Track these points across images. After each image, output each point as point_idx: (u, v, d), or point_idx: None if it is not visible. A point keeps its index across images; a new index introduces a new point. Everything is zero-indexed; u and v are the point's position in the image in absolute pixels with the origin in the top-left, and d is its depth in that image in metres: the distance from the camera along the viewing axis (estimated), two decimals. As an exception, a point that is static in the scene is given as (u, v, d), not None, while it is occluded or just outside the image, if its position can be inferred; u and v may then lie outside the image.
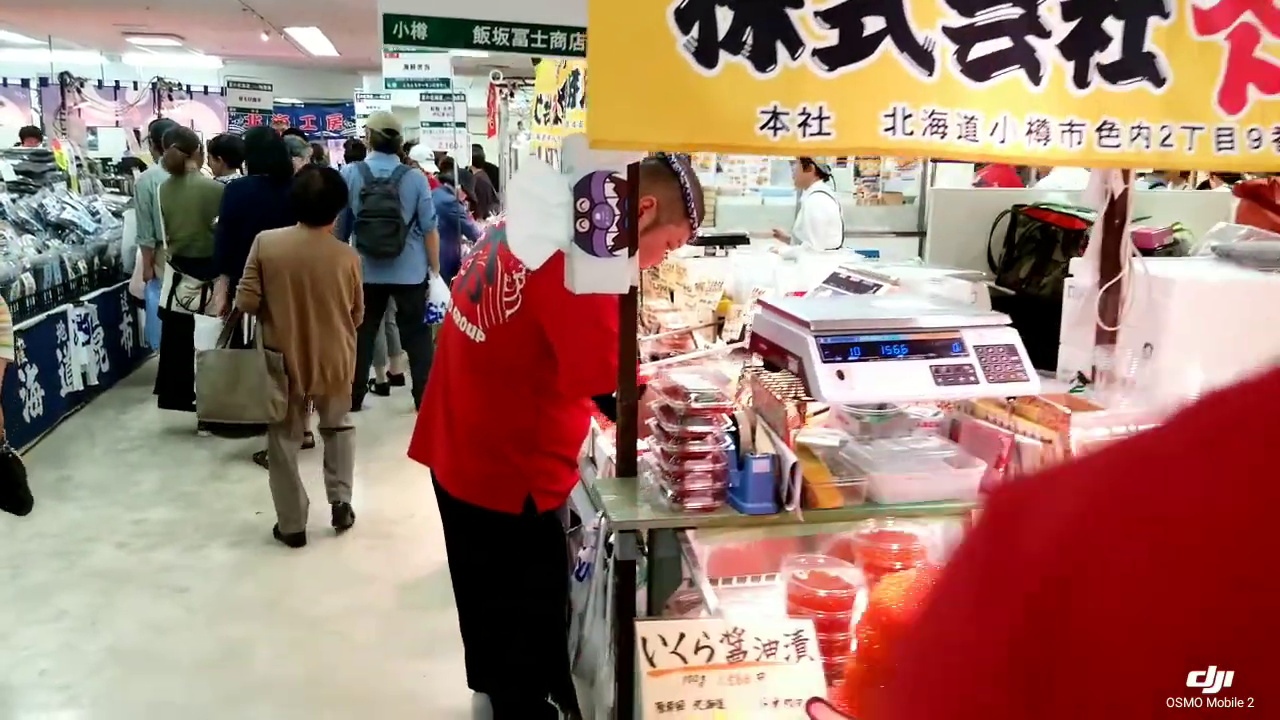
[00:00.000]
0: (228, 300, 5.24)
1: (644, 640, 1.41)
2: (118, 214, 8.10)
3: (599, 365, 2.24)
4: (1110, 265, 2.37)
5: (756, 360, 2.28)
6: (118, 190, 9.33)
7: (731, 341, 4.04)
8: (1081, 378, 2.48)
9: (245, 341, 4.65)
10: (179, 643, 3.68)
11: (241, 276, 4.46)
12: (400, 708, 3.32)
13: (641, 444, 2.21)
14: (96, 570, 4.28)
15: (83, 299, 6.75)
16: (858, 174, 8.03)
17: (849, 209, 7.35)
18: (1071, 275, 2.75)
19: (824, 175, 6.80)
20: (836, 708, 1.36)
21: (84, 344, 6.59)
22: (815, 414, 2.44)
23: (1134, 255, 2.39)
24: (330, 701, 3.33)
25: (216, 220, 5.88)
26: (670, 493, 2.02)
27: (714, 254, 4.87)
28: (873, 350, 1.92)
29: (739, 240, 4.92)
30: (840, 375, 1.90)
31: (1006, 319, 2.04)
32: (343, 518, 4.84)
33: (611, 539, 2.27)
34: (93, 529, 4.71)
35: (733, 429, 2.03)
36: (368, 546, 4.59)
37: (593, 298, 2.29)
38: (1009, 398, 2.11)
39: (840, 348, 1.92)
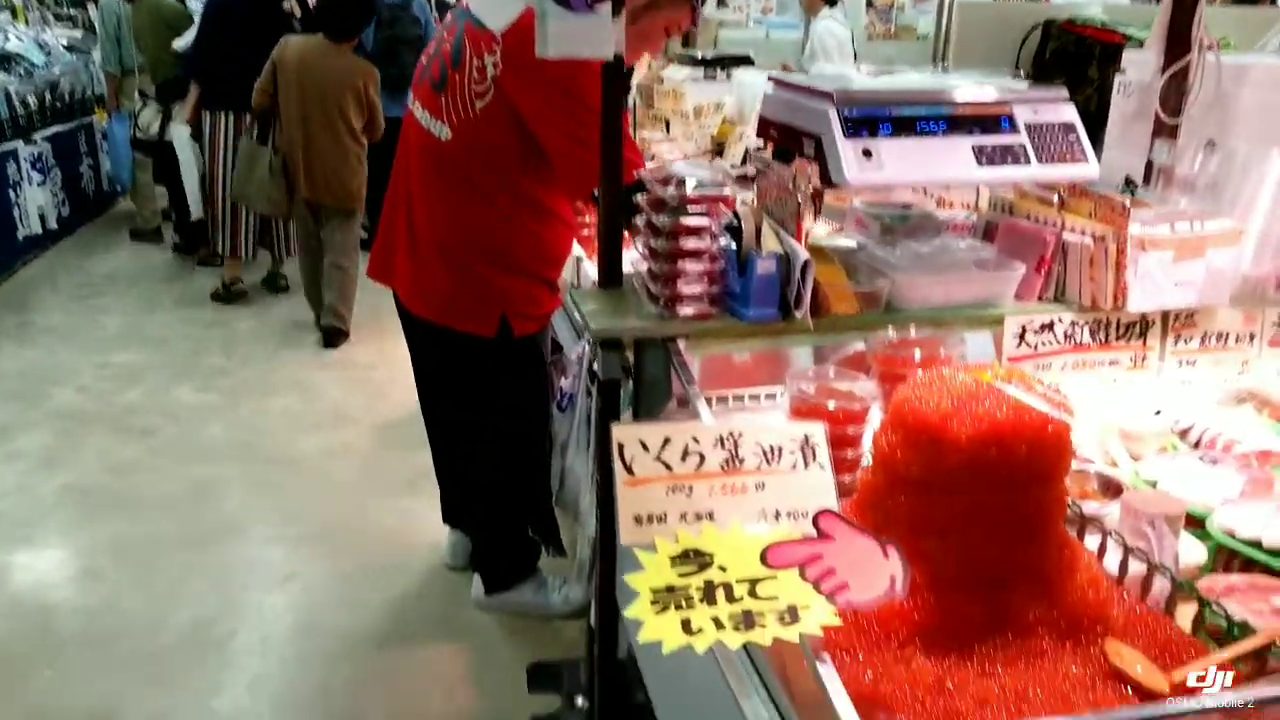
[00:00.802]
0: (196, 111, 5.19)
1: (620, 446, 1.16)
2: (71, 48, 7.55)
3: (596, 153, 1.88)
4: (1177, 46, 2.03)
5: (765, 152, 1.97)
6: (71, 23, 8.69)
7: (732, 167, 3.71)
8: (1129, 183, 2.18)
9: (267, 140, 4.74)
10: (143, 483, 3.50)
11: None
12: (379, 543, 3.16)
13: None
14: (57, 412, 4.07)
15: (35, 136, 6.30)
16: (869, 5, 7.45)
17: (859, 43, 6.84)
18: (1123, 71, 2.40)
19: (831, 1, 6.30)
20: (850, 521, 1.13)
21: (40, 184, 6.19)
22: (830, 234, 2.16)
23: (1205, 41, 2.05)
24: (305, 539, 3.16)
25: (176, 41, 5.52)
26: (660, 298, 1.75)
27: (714, 77, 4.46)
28: (906, 126, 1.62)
29: (742, 61, 4.49)
30: (866, 154, 1.60)
31: (1064, 92, 1.73)
32: (334, 339, 4.81)
33: (596, 365, 2.02)
34: (54, 372, 4.47)
35: (734, 224, 1.74)
36: (346, 390, 4.37)
37: (579, 73, 1.96)
38: (1058, 194, 1.82)
39: (868, 122, 1.61)
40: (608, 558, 1.94)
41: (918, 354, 1.64)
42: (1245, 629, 1.16)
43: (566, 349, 2.74)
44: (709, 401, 1.76)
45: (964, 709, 1.09)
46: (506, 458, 2.59)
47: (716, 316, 1.74)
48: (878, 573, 1.10)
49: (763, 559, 1.10)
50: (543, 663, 2.58)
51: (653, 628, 1.05)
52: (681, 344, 1.78)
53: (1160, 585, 1.30)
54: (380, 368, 4.54)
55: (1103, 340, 1.77)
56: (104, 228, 7.13)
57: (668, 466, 1.17)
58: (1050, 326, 1.74)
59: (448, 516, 2.99)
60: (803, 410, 1.58)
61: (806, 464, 1.19)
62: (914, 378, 1.28)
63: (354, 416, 4.07)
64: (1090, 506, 1.47)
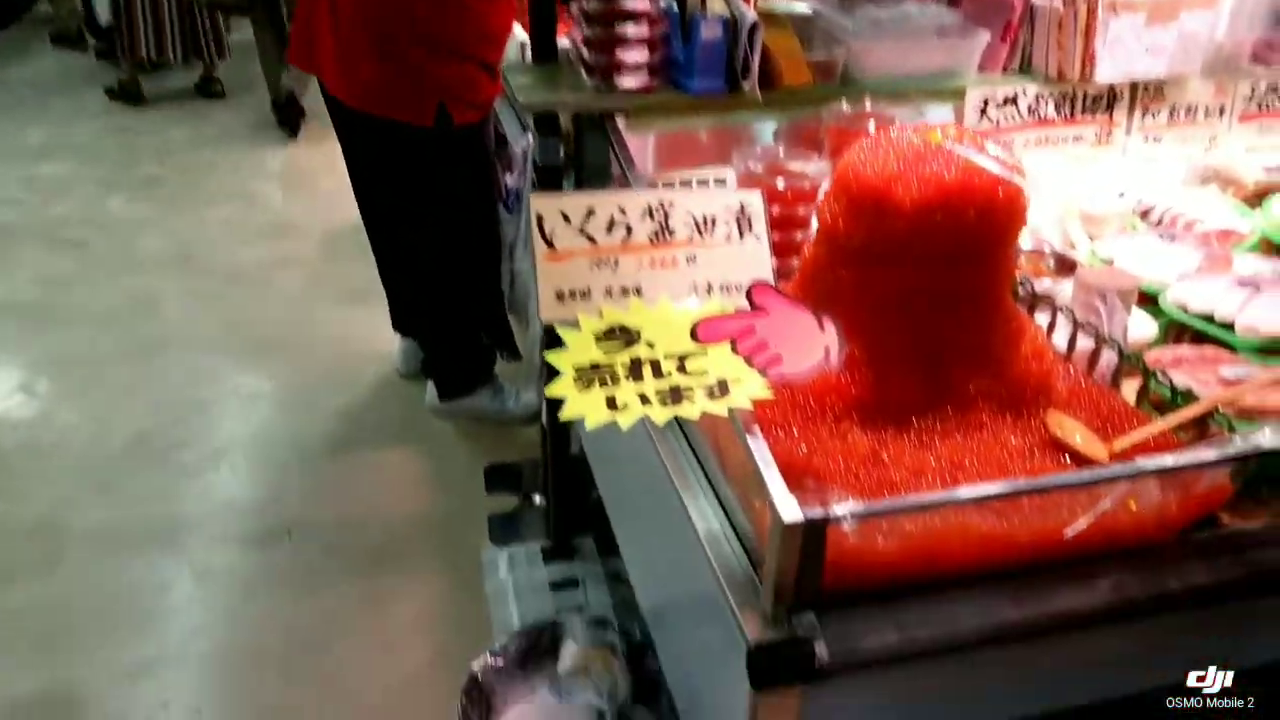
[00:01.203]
0: None
1: (539, 218, 1.07)
2: None
3: None
4: None
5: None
6: None
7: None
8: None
9: None
10: (79, 296, 3.37)
11: None
12: (328, 353, 3.10)
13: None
14: (-17, 226, 3.88)
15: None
16: None
17: None
18: None
19: None
20: (784, 293, 1.06)
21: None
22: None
23: None
24: (250, 350, 3.09)
25: None
26: (597, 69, 1.61)
27: None
28: None
29: None
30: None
31: None
32: (288, 115, 4.58)
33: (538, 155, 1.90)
34: (-23, 185, 4.23)
35: (677, -16, 1.58)
36: (289, 199, 4.19)
37: None
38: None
39: None
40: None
41: (873, 127, 1.53)
42: (1188, 397, 1.13)
43: (512, 142, 2.59)
44: (653, 185, 1.66)
45: (898, 479, 1.06)
46: (451, 253, 2.49)
47: (659, 89, 1.62)
48: (812, 345, 1.04)
49: (692, 334, 1.04)
50: (500, 464, 2.58)
51: (576, 405, 1.00)
52: (621, 123, 1.66)
53: (1107, 358, 1.27)
54: (325, 175, 4.34)
55: (1068, 114, 1.67)
56: (23, 32, 6.61)
57: (591, 239, 1.08)
58: (1014, 100, 1.64)
59: (397, 324, 2.92)
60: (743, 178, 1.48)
61: (741, 235, 1.11)
62: (859, 142, 1.18)
63: (298, 226, 3.91)
64: (1043, 284, 1.42)
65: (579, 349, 1.04)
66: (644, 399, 1.00)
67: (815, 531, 0.91)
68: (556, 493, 2.21)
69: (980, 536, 0.99)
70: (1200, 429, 1.10)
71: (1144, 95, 1.70)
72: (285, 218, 3.99)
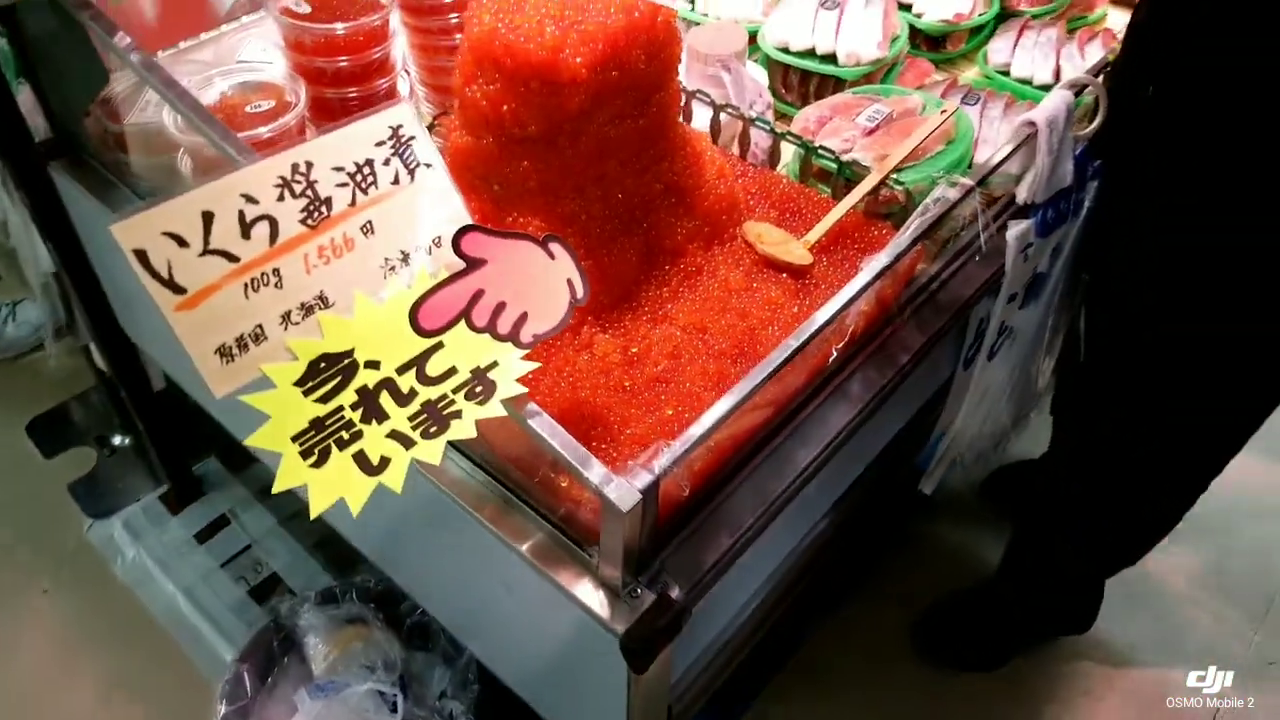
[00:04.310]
0: None
1: (141, 255, 0.72)
2: None
3: None
4: None
5: None
6: None
7: None
8: None
9: None
10: None
11: None
12: None
13: None
14: None
15: None
16: None
17: None
18: None
19: None
20: (495, 231, 0.84)
21: None
22: None
23: None
24: None
25: None
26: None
27: None
28: None
29: None
30: None
31: None
32: None
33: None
34: None
35: None
36: None
37: None
38: None
39: None
40: (80, 279, 1.46)
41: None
42: (854, 170, 1.16)
43: None
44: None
45: (663, 371, 0.99)
46: None
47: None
48: (551, 281, 0.87)
49: (415, 328, 0.82)
50: (44, 413, 2.05)
51: (323, 487, 0.76)
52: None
53: (757, 137, 1.24)
54: None
55: None
56: None
57: (229, 256, 0.77)
58: None
59: None
60: (294, 43, 1.14)
61: (411, 171, 0.85)
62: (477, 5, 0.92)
63: None
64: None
65: (286, 413, 0.78)
66: (401, 438, 0.79)
67: (650, 498, 0.84)
68: (152, 433, 1.80)
69: (756, 404, 0.97)
70: (874, 194, 1.14)
71: None
72: None
